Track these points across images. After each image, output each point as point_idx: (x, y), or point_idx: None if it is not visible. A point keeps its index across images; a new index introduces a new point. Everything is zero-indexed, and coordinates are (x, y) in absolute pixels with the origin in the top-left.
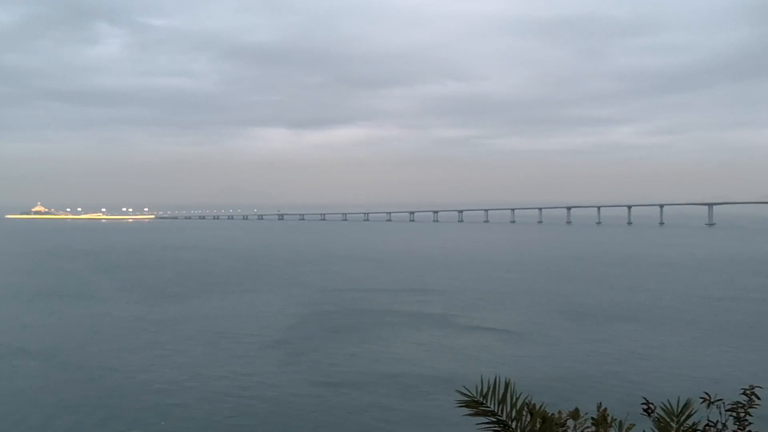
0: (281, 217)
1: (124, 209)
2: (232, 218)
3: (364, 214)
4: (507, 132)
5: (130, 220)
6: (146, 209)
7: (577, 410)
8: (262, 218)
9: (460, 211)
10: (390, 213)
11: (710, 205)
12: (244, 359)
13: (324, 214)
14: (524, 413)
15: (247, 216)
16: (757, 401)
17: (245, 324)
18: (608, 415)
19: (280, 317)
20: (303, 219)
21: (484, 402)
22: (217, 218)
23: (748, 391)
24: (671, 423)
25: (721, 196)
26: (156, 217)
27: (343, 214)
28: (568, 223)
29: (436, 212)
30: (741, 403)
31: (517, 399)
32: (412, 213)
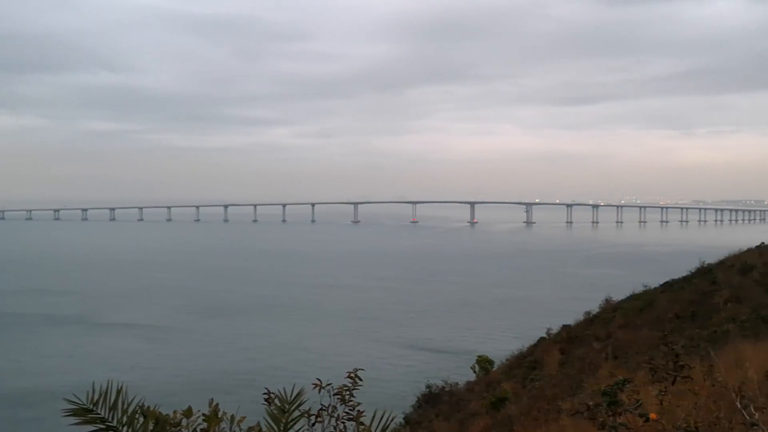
0: None
1: None
2: None
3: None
4: (163, 128)
5: None
6: None
7: (190, 408)
8: None
9: (112, 209)
10: (31, 211)
11: (356, 204)
12: None
13: None
14: (137, 417)
15: None
16: (360, 382)
17: None
18: (219, 409)
19: None
20: None
21: (94, 409)
22: None
23: (352, 374)
24: (283, 410)
25: (365, 195)
26: None
27: None
28: (226, 221)
29: (84, 210)
30: (347, 386)
31: (129, 404)
32: (57, 211)
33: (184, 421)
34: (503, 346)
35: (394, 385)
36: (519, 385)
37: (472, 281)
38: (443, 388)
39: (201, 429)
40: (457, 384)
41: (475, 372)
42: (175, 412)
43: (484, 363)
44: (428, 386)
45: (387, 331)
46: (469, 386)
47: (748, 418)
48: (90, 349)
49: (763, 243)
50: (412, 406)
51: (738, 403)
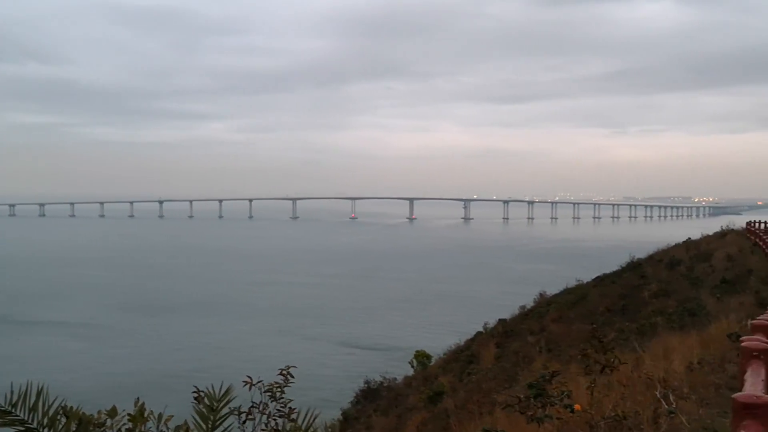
0: None
1: None
2: None
3: None
4: (96, 121)
5: None
6: None
7: (114, 408)
8: None
9: (42, 205)
10: None
11: (294, 200)
12: None
13: None
14: (59, 417)
15: None
16: (291, 379)
17: None
18: (146, 409)
19: None
20: None
21: (14, 411)
22: None
23: (284, 372)
24: (212, 408)
25: (303, 191)
26: None
27: None
28: (161, 217)
29: (12, 206)
30: (277, 383)
31: (51, 405)
32: None
33: (109, 422)
34: (441, 341)
35: (334, 381)
36: (456, 379)
37: (411, 277)
38: (381, 383)
39: (126, 429)
40: (395, 379)
41: (413, 367)
42: (99, 412)
43: (421, 358)
44: (366, 382)
45: (327, 329)
46: (407, 381)
47: (666, 406)
48: (16, 349)
49: (689, 238)
50: (351, 402)
51: (658, 393)
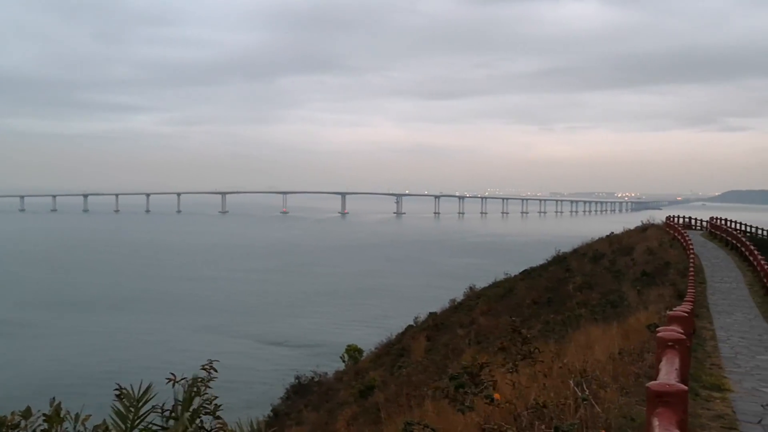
0: None
1: None
2: None
3: None
4: (14, 111)
5: None
6: None
7: (28, 409)
8: None
9: None
10: None
11: (223, 194)
12: None
13: None
14: None
15: None
16: (215, 373)
17: None
18: (62, 409)
19: None
20: None
21: None
22: None
23: (207, 366)
24: (131, 408)
25: (233, 185)
26: None
27: None
28: (86, 211)
29: None
30: (201, 378)
31: None
32: None
33: (23, 423)
34: (373, 335)
35: (264, 377)
36: (387, 373)
37: (342, 271)
38: (312, 378)
39: (42, 430)
40: (326, 374)
41: (344, 361)
42: (12, 413)
43: (353, 352)
44: (297, 377)
45: (257, 325)
46: (338, 376)
47: (580, 394)
48: None
49: (612, 233)
50: (281, 397)
51: (572, 382)
